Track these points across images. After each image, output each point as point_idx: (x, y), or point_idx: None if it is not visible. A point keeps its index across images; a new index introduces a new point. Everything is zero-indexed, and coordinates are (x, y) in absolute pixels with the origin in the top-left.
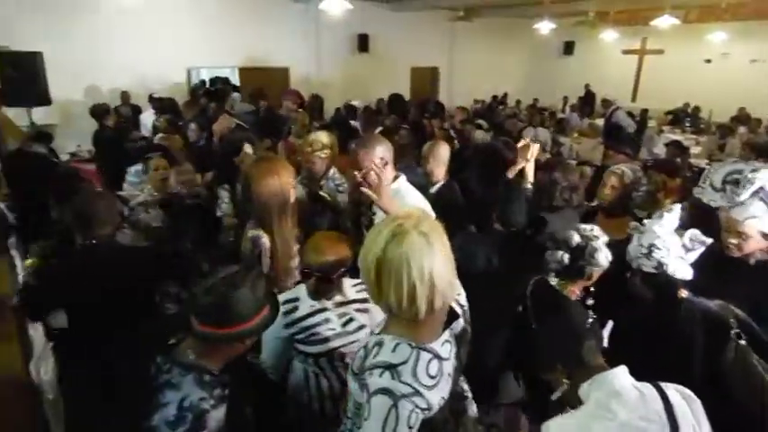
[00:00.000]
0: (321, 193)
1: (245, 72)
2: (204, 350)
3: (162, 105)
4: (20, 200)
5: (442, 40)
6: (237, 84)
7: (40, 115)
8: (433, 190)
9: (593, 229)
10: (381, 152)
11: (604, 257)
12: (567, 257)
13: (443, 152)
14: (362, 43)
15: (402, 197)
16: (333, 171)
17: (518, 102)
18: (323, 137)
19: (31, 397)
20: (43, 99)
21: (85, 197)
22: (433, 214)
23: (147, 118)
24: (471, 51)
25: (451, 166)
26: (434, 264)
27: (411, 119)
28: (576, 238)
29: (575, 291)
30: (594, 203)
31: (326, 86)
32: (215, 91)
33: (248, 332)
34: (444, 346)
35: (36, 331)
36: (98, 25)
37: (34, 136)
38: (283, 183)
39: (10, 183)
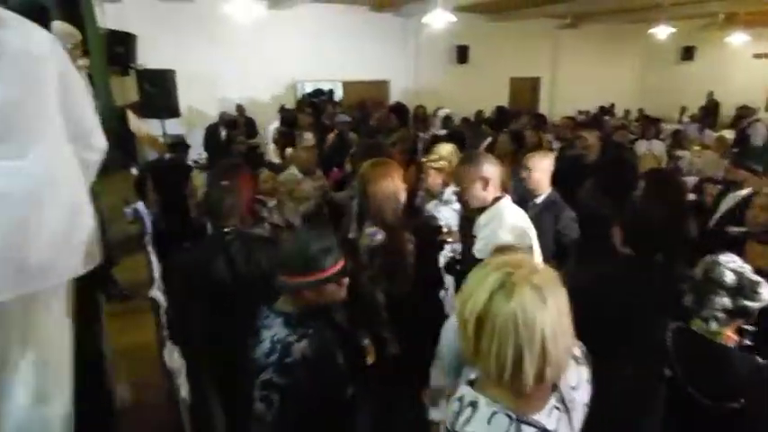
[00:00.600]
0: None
1: (348, 85)
2: (291, 298)
3: (287, 116)
4: (163, 203)
5: (543, 50)
6: (341, 96)
7: (169, 127)
8: (538, 201)
9: (735, 259)
10: (485, 171)
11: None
12: (727, 300)
13: (547, 162)
14: (461, 54)
15: (501, 218)
16: (449, 190)
17: (627, 112)
18: (443, 148)
19: (167, 380)
20: (174, 112)
21: (218, 191)
22: (535, 237)
23: (271, 128)
24: (576, 60)
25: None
26: (548, 326)
27: (511, 128)
28: (730, 276)
29: (731, 336)
30: (740, 229)
31: (425, 98)
32: (317, 103)
33: (322, 281)
34: (552, 414)
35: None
36: (218, 45)
37: (173, 145)
38: (396, 185)
39: (155, 187)
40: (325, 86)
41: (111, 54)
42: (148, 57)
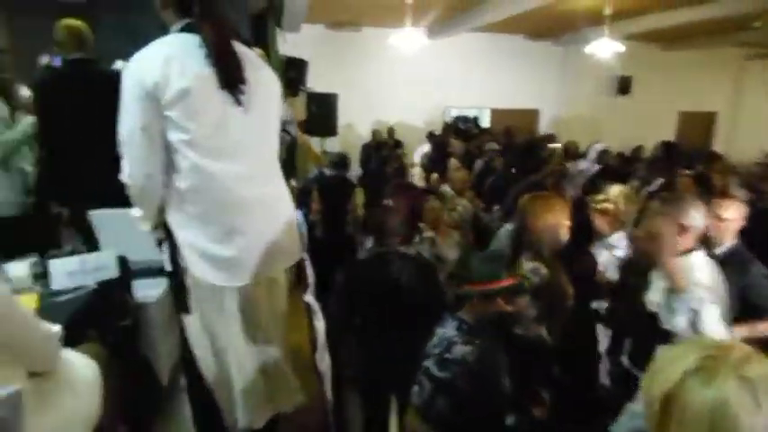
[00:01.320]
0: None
1: (496, 112)
2: (468, 306)
3: (437, 142)
4: (324, 215)
5: (723, 81)
6: (488, 123)
7: (326, 144)
8: (720, 252)
9: None
10: (688, 217)
11: None
12: None
13: (741, 213)
14: (623, 85)
15: (691, 273)
16: (617, 235)
17: None
18: (612, 189)
19: (318, 383)
20: (333, 131)
21: (382, 210)
22: (723, 294)
23: (421, 152)
24: (765, 95)
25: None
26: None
27: (697, 170)
28: None
29: None
30: None
31: (576, 130)
32: (463, 129)
33: (495, 291)
34: None
35: (319, 322)
36: (377, 71)
37: (337, 161)
38: (558, 219)
39: (320, 199)
40: (472, 113)
41: (285, 77)
42: (314, 80)
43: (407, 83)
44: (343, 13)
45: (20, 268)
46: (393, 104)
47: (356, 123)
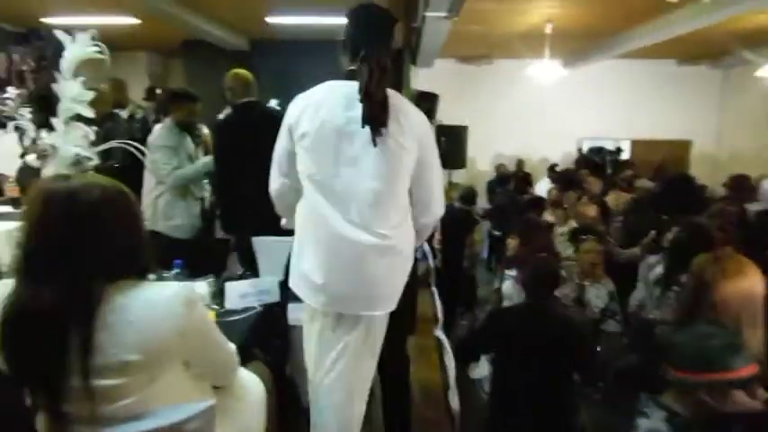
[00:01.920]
0: None
1: (638, 144)
2: (680, 395)
3: (557, 176)
4: (445, 248)
5: None
6: (627, 157)
7: (455, 177)
8: None
9: None
10: None
11: None
12: None
13: None
14: None
15: None
16: None
17: None
18: None
19: (450, 423)
20: (461, 163)
21: (536, 260)
22: None
23: (543, 186)
24: None
25: None
26: None
27: None
28: None
29: None
30: None
31: (740, 163)
32: (599, 163)
33: (725, 383)
34: None
35: (450, 360)
36: (508, 104)
37: (464, 195)
38: (753, 286)
39: (443, 232)
40: (608, 144)
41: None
42: (444, 112)
43: (538, 113)
44: (477, 46)
45: (202, 287)
46: (523, 136)
47: (484, 156)
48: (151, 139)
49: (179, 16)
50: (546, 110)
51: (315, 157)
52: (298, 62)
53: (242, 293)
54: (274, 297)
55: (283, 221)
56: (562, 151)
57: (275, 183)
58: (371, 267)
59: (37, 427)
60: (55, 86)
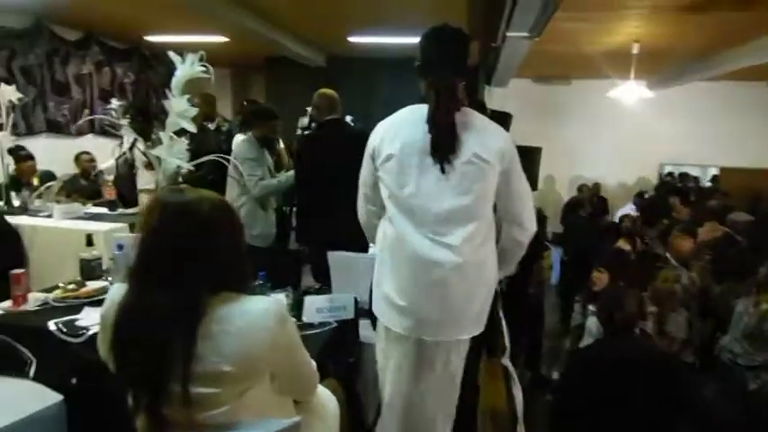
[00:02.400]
0: None
1: (727, 172)
2: None
3: (646, 204)
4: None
5: None
6: (711, 183)
7: None
8: None
9: None
10: None
11: None
12: None
13: None
14: None
15: None
16: None
17: None
18: None
19: None
20: (534, 185)
21: (617, 291)
22: None
23: (624, 212)
24: None
25: None
26: None
27: None
28: None
29: None
30: None
31: None
32: (684, 190)
33: None
34: None
35: (518, 390)
36: (583, 125)
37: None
38: None
39: None
40: (693, 171)
41: None
42: (517, 133)
43: (616, 136)
44: (555, 66)
45: (281, 299)
46: (598, 159)
47: (558, 178)
48: (236, 151)
49: (267, 36)
50: (626, 132)
51: (397, 179)
52: (373, 78)
53: (319, 308)
54: (350, 314)
55: (373, 247)
56: (641, 176)
57: (362, 209)
58: (456, 289)
59: (136, 428)
60: (151, 99)
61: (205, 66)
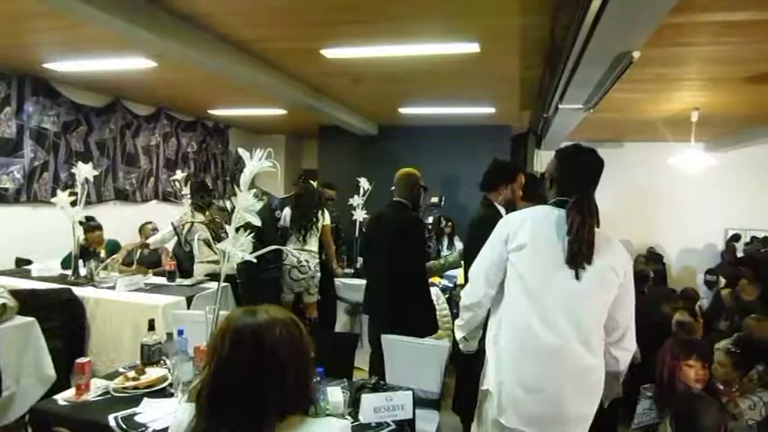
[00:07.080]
0: None
1: None
2: None
3: (713, 282)
4: None
5: None
6: None
7: None
8: None
9: None
10: None
11: None
12: None
13: None
14: None
15: None
16: None
17: None
18: None
19: None
20: None
21: (692, 401)
22: None
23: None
24: None
25: None
26: None
27: None
28: None
29: None
30: None
31: None
32: (757, 259)
33: None
34: None
35: None
36: (638, 189)
37: None
38: None
39: None
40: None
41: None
42: None
43: (675, 201)
44: (606, 130)
45: (336, 394)
46: (655, 224)
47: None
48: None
49: (324, 110)
50: (684, 197)
51: (532, 267)
52: (420, 144)
53: (377, 407)
54: (408, 413)
55: (464, 346)
56: (706, 242)
57: (479, 292)
58: (574, 388)
59: None
60: (210, 166)
61: (273, 163)
